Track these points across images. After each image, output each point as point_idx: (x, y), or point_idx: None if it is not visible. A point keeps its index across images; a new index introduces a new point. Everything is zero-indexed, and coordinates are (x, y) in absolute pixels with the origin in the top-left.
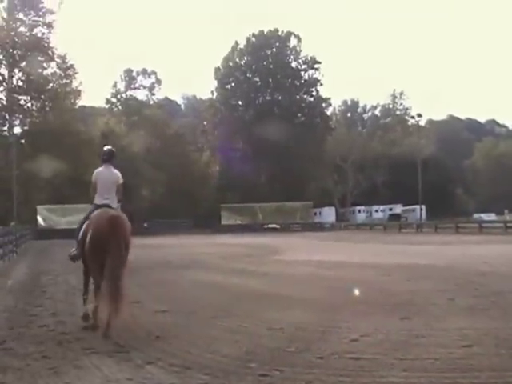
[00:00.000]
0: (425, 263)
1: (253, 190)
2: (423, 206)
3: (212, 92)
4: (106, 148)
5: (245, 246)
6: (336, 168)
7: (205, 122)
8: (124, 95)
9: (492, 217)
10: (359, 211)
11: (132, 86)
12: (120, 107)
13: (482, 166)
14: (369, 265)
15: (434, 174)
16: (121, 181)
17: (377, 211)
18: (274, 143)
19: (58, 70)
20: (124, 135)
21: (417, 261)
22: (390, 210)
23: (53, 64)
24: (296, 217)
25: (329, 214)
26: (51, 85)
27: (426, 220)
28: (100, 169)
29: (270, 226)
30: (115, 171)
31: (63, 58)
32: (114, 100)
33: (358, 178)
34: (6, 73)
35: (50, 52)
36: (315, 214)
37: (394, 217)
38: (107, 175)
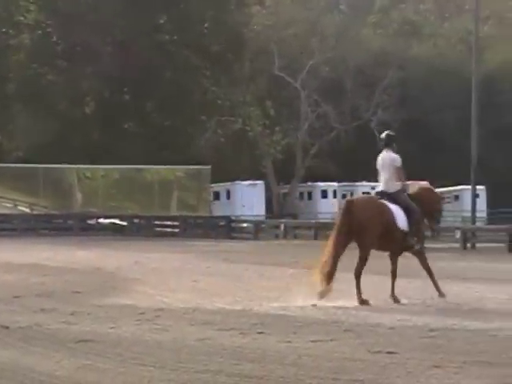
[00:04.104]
0: None
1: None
2: (481, 187)
3: None
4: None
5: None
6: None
7: None
8: None
9: None
10: (323, 192)
11: None
12: None
13: None
14: None
15: None
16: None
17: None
18: None
19: None
20: None
21: None
22: None
23: None
24: (169, 201)
25: (251, 197)
26: None
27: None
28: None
29: (106, 221)
30: (393, 155)
31: None
32: None
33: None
34: None
35: None
36: (215, 195)
37: None
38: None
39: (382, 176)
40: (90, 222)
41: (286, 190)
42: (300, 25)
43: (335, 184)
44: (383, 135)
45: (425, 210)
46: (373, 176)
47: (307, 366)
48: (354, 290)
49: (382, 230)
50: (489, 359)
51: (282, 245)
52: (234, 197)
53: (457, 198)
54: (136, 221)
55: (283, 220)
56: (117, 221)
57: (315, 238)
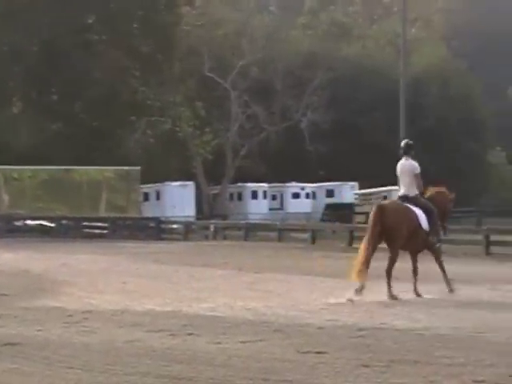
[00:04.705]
0: None
1: None
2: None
3: None
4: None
5: None
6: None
7: None
8: None
9: None
10: (254, 193)
11: None
12: None
13: None
14: None
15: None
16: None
17: (296, 195)
18: None
19: None
20: None
21: None
22: (330, 192)
23: None
24: (98, 202)
25: (181, 198)
26: None
27: None
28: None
29: (33, 222)
30: (413, 163)
31: None
32: None
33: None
34: None
35: None
36: (144, 196)
37: (337, 209)
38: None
39: (402, 181)
40: (16, 223)
41: (216, 191)
42: (230, 25)
43: (265, 185)
44: (402, 144)
45: (438, 211)
46: (301, 177)
47: (237, 367)
48: (283, 291)
49: (409, 232)
50: (415, 358)
51: (212, 246)
52: (164, 198)
53: (385, 198)
54: (64, 222)
55: (213, 221)
56: (44, 222)
57: (245, 238)
